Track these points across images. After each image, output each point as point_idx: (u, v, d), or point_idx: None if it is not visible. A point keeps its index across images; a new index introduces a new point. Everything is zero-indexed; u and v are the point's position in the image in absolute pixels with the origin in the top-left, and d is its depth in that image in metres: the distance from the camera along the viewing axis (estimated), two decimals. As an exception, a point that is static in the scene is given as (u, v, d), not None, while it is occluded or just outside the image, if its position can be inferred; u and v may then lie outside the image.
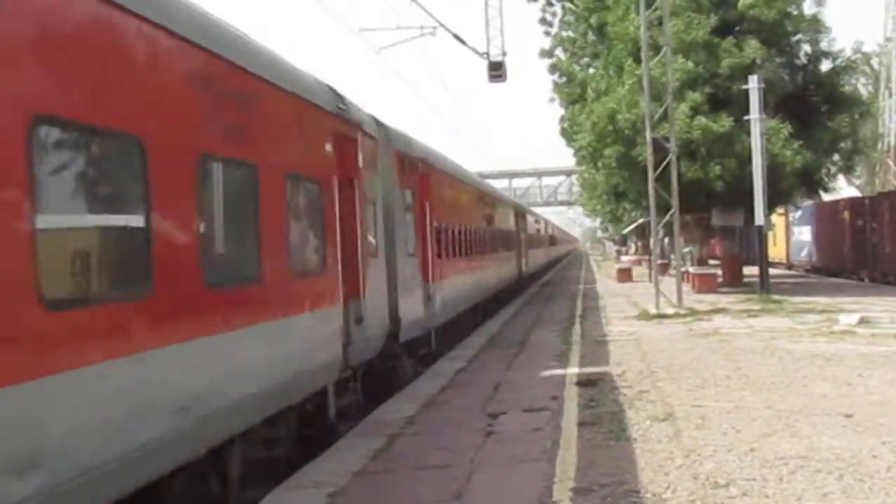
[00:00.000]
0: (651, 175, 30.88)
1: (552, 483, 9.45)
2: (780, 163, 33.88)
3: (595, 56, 41.48)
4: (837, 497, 8.66)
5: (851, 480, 9.16)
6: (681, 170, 31.93)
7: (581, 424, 12.38)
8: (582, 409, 13.57)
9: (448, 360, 20.60)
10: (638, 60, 32.40)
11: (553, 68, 44.56)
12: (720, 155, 33.86)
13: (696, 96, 34.04)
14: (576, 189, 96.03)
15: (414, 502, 9.11)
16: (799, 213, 55.51)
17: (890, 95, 61.56)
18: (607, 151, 35.98)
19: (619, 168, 36.74)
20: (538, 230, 66.36)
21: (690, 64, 34.20)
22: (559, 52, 45.06)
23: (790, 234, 59.01)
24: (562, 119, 47.55)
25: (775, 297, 32.81)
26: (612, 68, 37.56)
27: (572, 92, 42.20)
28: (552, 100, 46.62)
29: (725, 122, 33.53)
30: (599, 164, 37.55)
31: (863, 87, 60.01)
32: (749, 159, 32.57)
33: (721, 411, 12.86)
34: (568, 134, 44.94)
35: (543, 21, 46.70)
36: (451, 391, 16.10)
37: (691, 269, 41.44)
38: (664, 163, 30.88)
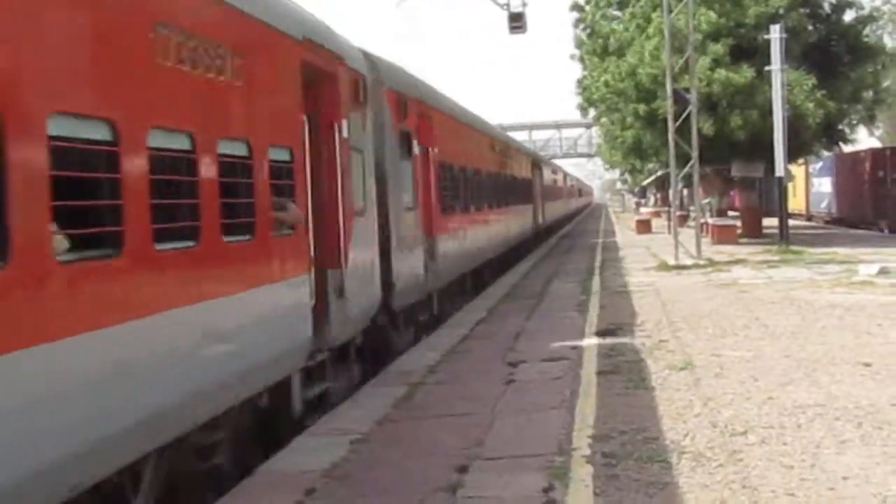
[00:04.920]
0: (671, 126, 30.77)
1: (572, 430, 9.58)
2: (802, 114, 33.69)
3: (621, 6, 41.10)
4: (856, 444, 8.74)
5: (870, 428, 9.24)
6: (700, 122, 31.81)
7: (600, 373, 12.50)
8: (601, 358, 13.67)
9: (468, 311, 20.71)
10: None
11: (579, 21, 44.08)
12: (741, 106, 33.72)
13: (717, 48, 33.88)
14: (595, 141, 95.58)
15: (435, 449, 9.22)
16: (819, 164, 55.20)
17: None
18: (629, 107, 36.02)
19: (639, 122, 36.73)
20: (555, 181, 63.11)
21: (713, 15, 34.03)
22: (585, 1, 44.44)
23: (810, 186, 58.72)
24: (579, 83, 47.05)
25: (795, 248, 32.76)
26: (637, 20, 37.41)
27: (594, 45, 41.85)
28: (573, 56, 46.12)
29: (746, 74, 33.38)
30: (627, 120, 37.48)
31: (888, 37, 59.31)
32: (770, 111, 32.38)
33: (740, 360, 12.94)
34: (585, 96, 44.51)
35: None
36: (471, 341, 16.23)
37: (710, 221, 41.33)
38: (684, 114, 30.76)
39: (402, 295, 15.26)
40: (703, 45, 33.87)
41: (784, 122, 31.97)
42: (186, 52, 7.52)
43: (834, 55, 37.70)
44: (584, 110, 46.51)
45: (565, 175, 76.92)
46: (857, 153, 49.45)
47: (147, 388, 6.80)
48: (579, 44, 44.74)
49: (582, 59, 44.63)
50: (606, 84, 37.60)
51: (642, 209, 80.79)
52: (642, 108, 35.47)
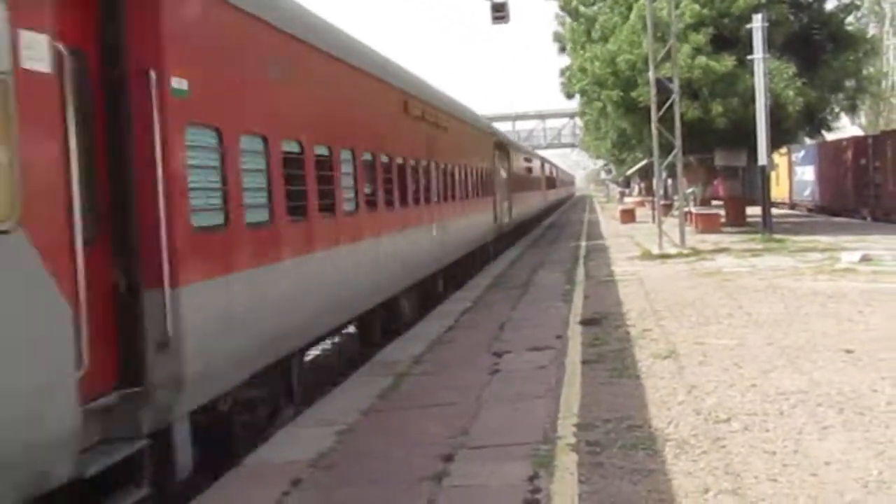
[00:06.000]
0: (654, 116, 30.85)
1: (556, 419, 9.63)
2: (784, 103, 33.82)
3: None
4: (838, 430, 8.81)
5: (852, 414, 9.32)
6: (683, 110, 31.90)
7: (585, 362, 12.55)
8: (586, 347, 13.72)
9: (453, 301, 20.75)
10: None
11: (562, 8, 44.07)
12: (722, 95, 33.82)
13: (698, 37, 33.97)
14: (579, 132, 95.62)
15: (421, 439, 9.26)
16: (802, 152, 55.36)
17: (895, 34, 61.20)
18: (605, 94, 36.12)
19: (621, 111, 36.80)
20: (529, 168, 51.09)
21: (696, 7, 34.17)
22: None
23: (793, 174, 58.87)
24: (562, 72, 47.03)
25: (778, 236, 32.90)
26: (620, 7, 37.50)
27: (577, 31, 41.86)
28: (562, 49, 46.01)
29: (727, 62, 33.50)
30: (607, 108, 37.50)
31: (873, 26, 59.62)
32: (752, 99, 32.51)
33: (723, 348, 13.01)
34: (568, 86, 44.51)
35: None
36: (456, 331, 16.26)
37: (694, 210, 41.48)
38: (667, 103, 30.84)
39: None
40: (685, 33, 33.96)
41: (766, 111, 32.09)
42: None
43: (816, 44, 37.78)
44: (569, 96, 46.54)
45: (505, 149, 37.76)
46: (839, 141, 49.60)
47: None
48: (561, 29, 44.67)
49: (563, 48, 44.64)
50: (583, 70, 37.67)
51: (626, 199, 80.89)
52: (617, 93, 35.53)
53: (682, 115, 31.39)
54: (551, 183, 72.14)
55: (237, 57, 9.29)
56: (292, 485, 8.00)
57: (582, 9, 41.68)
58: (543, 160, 65.06)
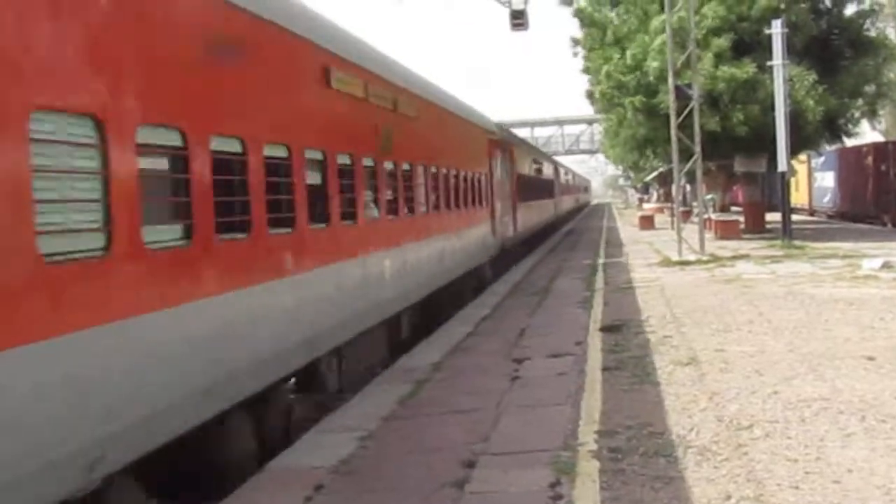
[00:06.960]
0: (674, 122, 30.81)
1: (577, 426, 9.63)
2: (804, 110, 33.73)
3: (616, 3, 41.18)
4: (860, 437, 8.79)
5: (874, 421, 9.29)
6: (704, 119, 31.85)
7: (605, 369, 12.54)
8: (606, 354, 13.72)
9: (473, 307, 20.76)
10: (663, 6, 32.33)
11: (577, 12, 44.07)
12: (743, 101, 33.77)
13: (720, 42, 33.92)
14: (597, 138, 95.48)
15: (442, 445, 9.28)
16: (822, 158, 55.15)
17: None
18: (627, 100, 36.11)
19: (642, 117, 36.77)
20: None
21: (722, 10, 34.17)
22: None
23: (812, 180, 58.66)
24: (585, 70, 47.06)
25: (798, 242, 32.78)
26: (635, 14, 37.50)
27: (593, 36, 41.86)
28: (575, 53, 46.04)
29: (748, 69, 33.44)
30: (628, 114, 37.48)
31: (893, 31, 59.23)
32: (772, 105, 32.43)
33: (744, 355, 12.98)
34: (586, 68, 44.48)
35: None
36: (476, 337, 16.28)
37: (713, 216, 41.35)
38: (686, 110, 30.80)
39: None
40: (706, 39, 33.93)
41: (786, 118, 32.01)
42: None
43: (835, 49, 37.70)
44: (591, 97, 46.52)
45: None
46: (859, 147, 49.37)
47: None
48: (581, 38, 44.69)
49: (578, 47, 44.65)
50: (608, 76, 37.66)
51: (645, 205, 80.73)
52: (639, 99, 35.55)
53: (701, 126, 31.35)
54: (542, 189, 46.42)
55: None
56: (315, 490, 8.03)
57: (596, 16, 41.67)
58: (527, 145, 46.33)
